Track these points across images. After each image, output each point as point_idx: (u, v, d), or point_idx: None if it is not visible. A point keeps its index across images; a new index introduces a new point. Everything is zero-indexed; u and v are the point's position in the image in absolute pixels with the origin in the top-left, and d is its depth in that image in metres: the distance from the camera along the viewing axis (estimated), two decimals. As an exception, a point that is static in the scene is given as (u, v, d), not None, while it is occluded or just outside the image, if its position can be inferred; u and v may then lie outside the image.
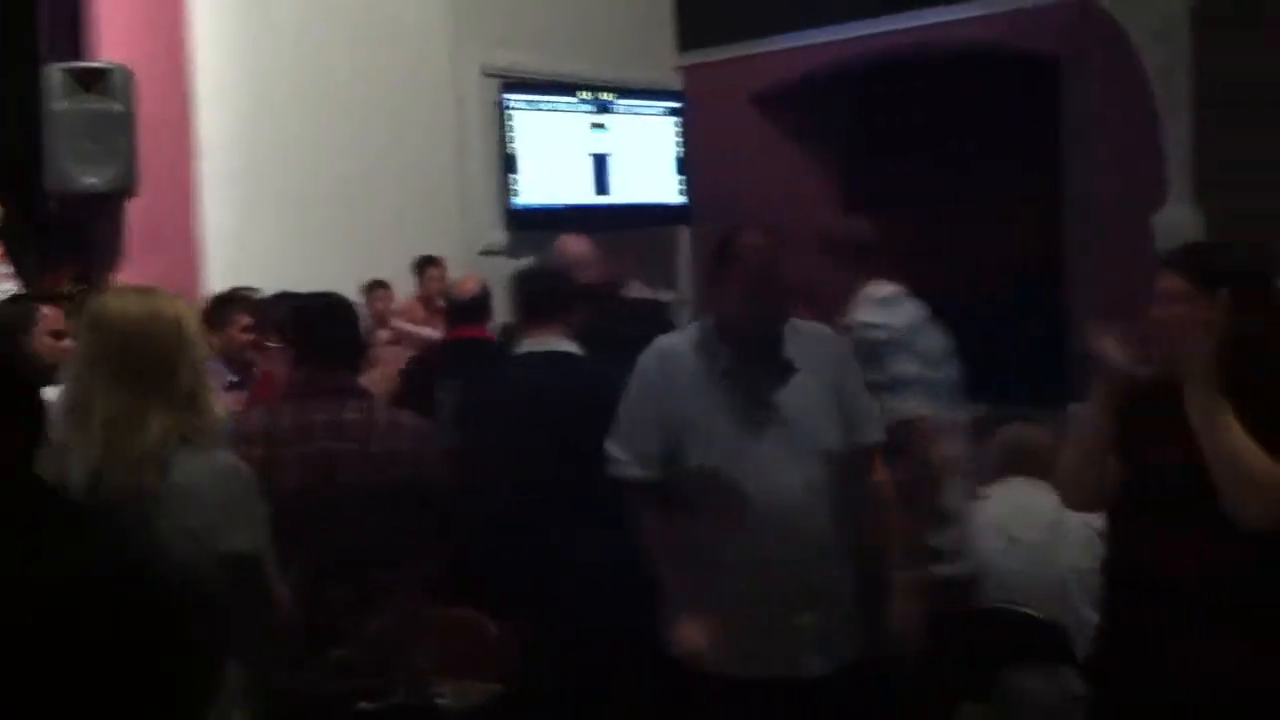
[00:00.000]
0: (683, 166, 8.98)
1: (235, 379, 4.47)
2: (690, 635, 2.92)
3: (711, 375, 2.98)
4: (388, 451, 2.99)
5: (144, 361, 2.42)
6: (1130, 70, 6.86)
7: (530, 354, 3.76)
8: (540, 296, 3.80)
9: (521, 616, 3.55)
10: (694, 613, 2.94)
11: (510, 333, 4.31)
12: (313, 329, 3.14)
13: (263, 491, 2.52)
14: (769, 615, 2.94)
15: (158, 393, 2.40)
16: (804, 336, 3.06)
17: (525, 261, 5.73)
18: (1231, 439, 2.38)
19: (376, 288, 7.15)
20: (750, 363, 2.98)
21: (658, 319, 5.13)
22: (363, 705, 2.87)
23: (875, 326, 3.73)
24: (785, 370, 2.98)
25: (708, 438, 2.94)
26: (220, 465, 2.46)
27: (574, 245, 4.61)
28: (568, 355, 3.73)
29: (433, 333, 7.09)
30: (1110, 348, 2.54)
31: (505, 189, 8.13)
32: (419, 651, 3.03)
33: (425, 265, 7.47)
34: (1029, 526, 3.50)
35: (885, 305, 3.83)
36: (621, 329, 3.84)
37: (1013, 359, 7.80)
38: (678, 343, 3.10)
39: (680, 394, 2.99)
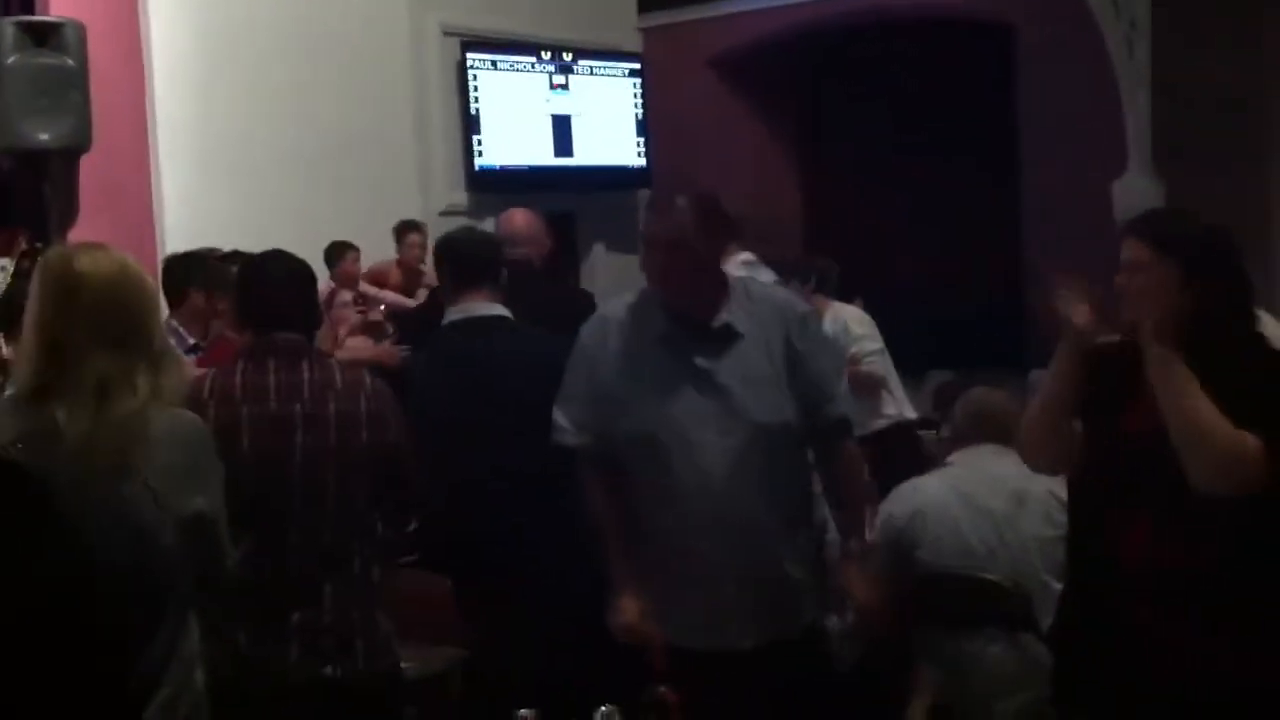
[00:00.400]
0: (642, 129, 8.94)
1: (193, 341, 4.41)
2: (622, 608, 2.93)
3: (645, 342, 2.95)
4: (345, 413, 2.95)
5: (127, 320, 2.40)
6: (1089, 41, 6.87)
7: (463, 320, 3.71)
8: (467, 261, 3.75)
9: (482, 583, 3.53)
10: (628, 584, 2.93)
11: (438, 299, 4.27)
12: (258, 290, 3.09)
13: (218, 453, 2.51)
14: (696, 586, 2.93)
15: (139, 352, 2.39)
16: (758, 302, 2.99)
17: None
18: (1192, 402, 2.40)
19: (343, 249, 7.07)
20: (684, 329, 2.94)
21: (573, 307, 5.14)
22: (325, 671, 2.84)
23: None
24: (724, 337, 2.92)
25: (636, 406, 2.92)
26: (184, 425, 2.44)
27: (518, 219, 4.55)
28: (500, 318, 3.69)
29: (398, 298, 7.03)
30: (1076, 310, 2.54)
31: (468, 150, 8.06)
32: (380, 617, 3.00)
33: (405, 230, 7.38)
34: (993, 493, 3.51)
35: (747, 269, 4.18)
36: (534, 313, 3.82)
37: (974, 325, 7.86)
38: (618, 309, 3.05)
39: (614, 360, 2.96)
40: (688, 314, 2.94)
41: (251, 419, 2.88)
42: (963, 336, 7.76)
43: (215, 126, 6.82)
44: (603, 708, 2.57)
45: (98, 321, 2.36)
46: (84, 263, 2.41)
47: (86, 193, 6.40)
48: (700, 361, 2.91)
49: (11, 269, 6.23)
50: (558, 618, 3.43)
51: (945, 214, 8.60)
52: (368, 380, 3.09)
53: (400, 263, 7.40)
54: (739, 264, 4.24)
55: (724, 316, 2.92)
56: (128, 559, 2.29)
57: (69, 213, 6.38)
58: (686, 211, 2.91)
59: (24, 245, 6.29)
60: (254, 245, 4.49)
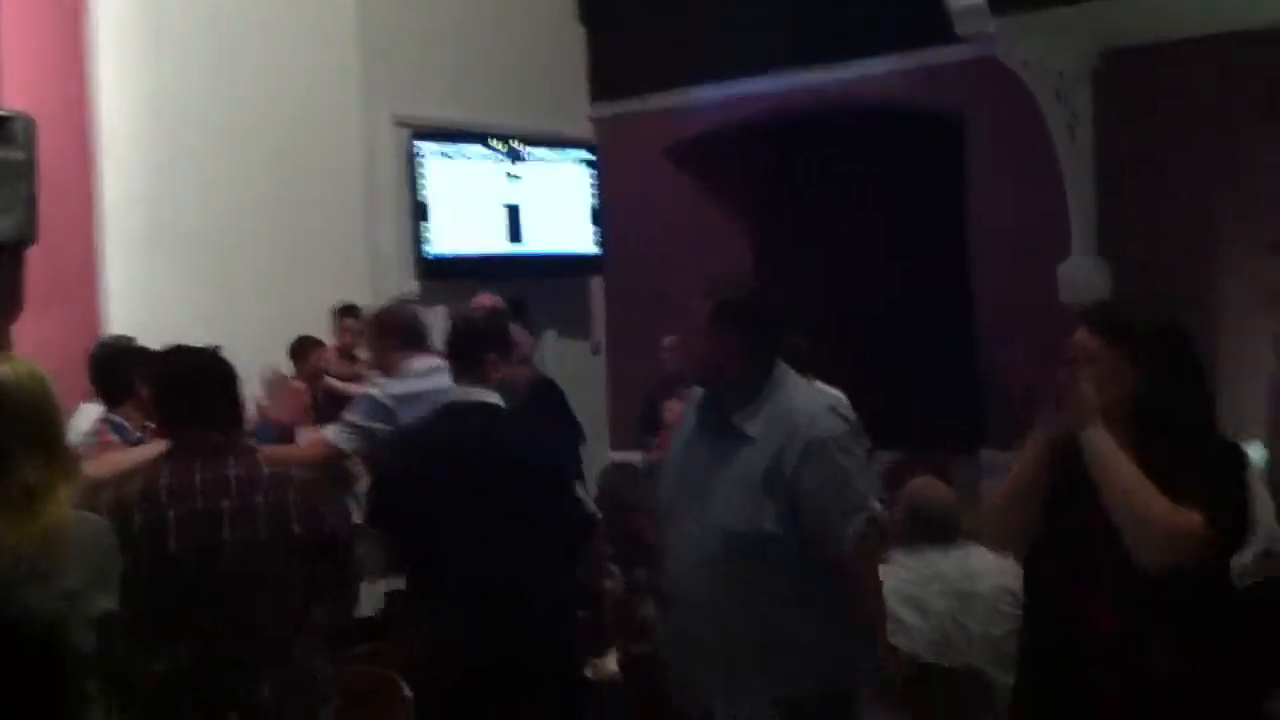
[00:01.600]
0: (596, 217, 8.99)
1: (139, 435, 4.34)
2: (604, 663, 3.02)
3: (692, 425, 3.10)
4: (275, 505, 2.93)
5: (49, 429, 2.45)
6: (1033, 126, 7.00)
7: (459, 404, 3.70)
8: (465, 347, 3.75)
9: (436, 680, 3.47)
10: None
11: None
12: (178, 390, 3.06)
13: (146, 554, 2.50)
14: (684, 656, 3.04)
15: (59, 460, 2.42)
16: (786, 407, 2.95)
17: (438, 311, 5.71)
18: (1125, 480, 2.43)
19: (310, 345, 6.98)
20: (710, 421, 3.03)
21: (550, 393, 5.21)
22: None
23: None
24: (736, 435, 2.95)
25: (666, 479, 3.10)
26: (92, 527, 2.47)
27: (488, 303, 4.57)
28: (494, 406, 3.69)
29: (359, 388, 6.94)
30: (1065, 399, 2.56)
31: (417, 238, 8.07)
32: (323, 710, 2.96)
33: (344, 314, 7.33)
34: (940, 594, 3.51)
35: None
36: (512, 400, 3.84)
37: (924, 404, 7.90)
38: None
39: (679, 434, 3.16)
40: (711, 407, 3.04)
41: (178, 520, 2.85)
42: (912, 415, 7.79)
43: (164, 216, 6.78)
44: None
45: (22, 431, 2.37)
46: (5, 372, 2.42)
47: (33, 285, 6.34)
48: (713, 456, 2.99)
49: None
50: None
51: (895, 293, 8.69)
52: (295, 474, 3.08)
53: (338, 347, 7.33)
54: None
55: (741, 417, 2.95)
56: (44, 662, 2.29)
57: (14, 305, 6.31)
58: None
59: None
60: (203, 335, 4.47)
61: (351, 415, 4.38)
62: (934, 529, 3.69)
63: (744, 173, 9.31)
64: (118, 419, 4.25)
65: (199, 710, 2.80)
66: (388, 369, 4.60)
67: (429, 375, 4.37)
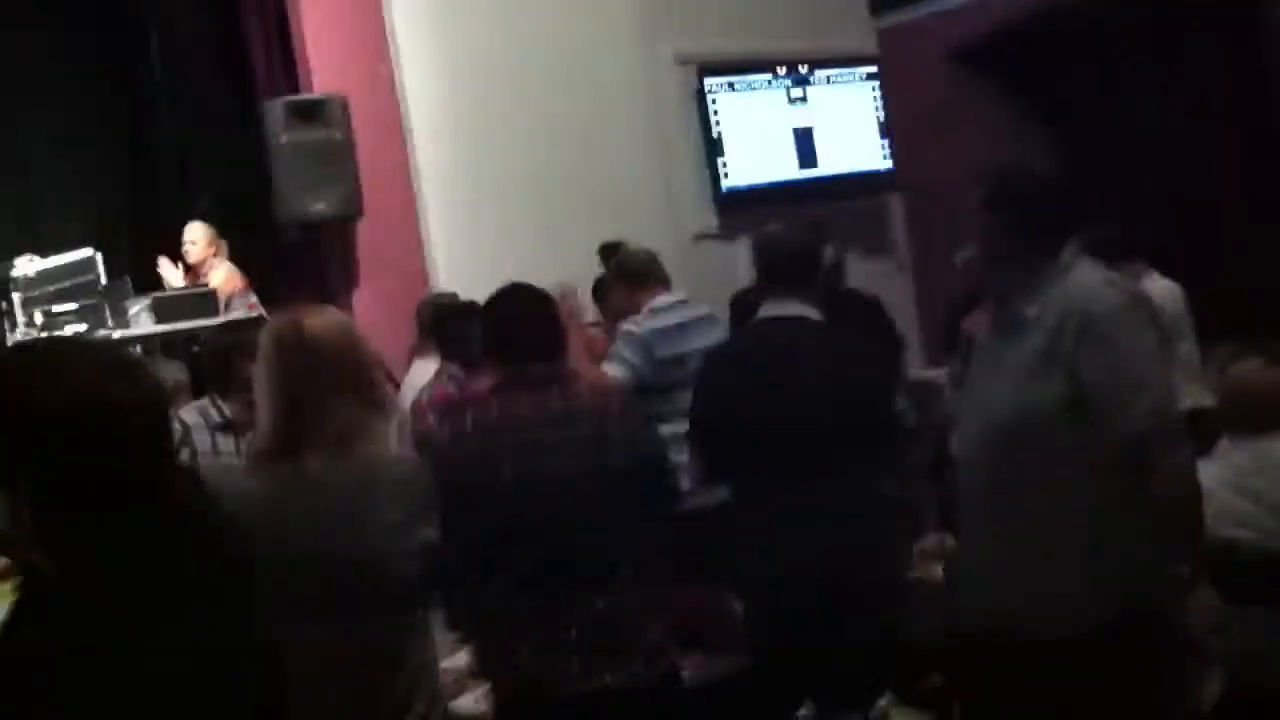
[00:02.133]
0: (885, 132, 8.86)
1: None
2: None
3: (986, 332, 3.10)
4: (599, 434, 3.05)
5: (360, 374, 2.60)
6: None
7: (773, 318, 3.67)
8: (785, 261, 3.71)
9: (764, 591, 3.53)
10: None
11: (746, 299, 4.32)
12: (503, 324, 3.20)
13: (476, 487, 2.66)
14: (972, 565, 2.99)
15: (370, 402, 2.59)
16: (1066, 288, 2.90)
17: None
18: None
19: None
20: (999, 317, 3.04)
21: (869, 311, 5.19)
22: (605, 680, 2.94)
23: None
24: (1017, 321, 2.95)
25: (960, 387, 3.21)
26: (408, 464, 2.65)
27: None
28: (810, 320, 3.66)
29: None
30: None
31: (713, 174, 8.17)
32: (655, 625, 3.07)
33: (609, 252, 7.46)
34: (1273, 483, 3.32)
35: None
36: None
37: (1257, 292, 7.45)
38: None
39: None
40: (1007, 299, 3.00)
41: (511, 450, 3.01)
42: (1245, 303, 7.35)
43: (474, 179, 7.12)
44: (881, 700, 2.58)
45: (335, 376, 2.56)
46: (316, 324, 2.62)
47: (362, 257, 6.80)
48: (994, 351, 2.97)
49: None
50: (837, 614, 3.42)
51: (1211, 178, 8.19)
52: (617, 401, 3.19)
53: None
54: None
55: (1022, 303, 2.90)
56: (373, 593, 2.47)
57: (347, 279, 6.79)
58: None
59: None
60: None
61: (623, 352, 4.65)
62: (1263, 416, 3.50)
63: (1037, 71, 8.95)
64: (453, 370, 4.53)
65: (538, 626, 2.95)
66: (635, 309, 4.87)
67: (673, 310, 4.80)
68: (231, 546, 1.78)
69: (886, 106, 8.81)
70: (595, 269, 7.00)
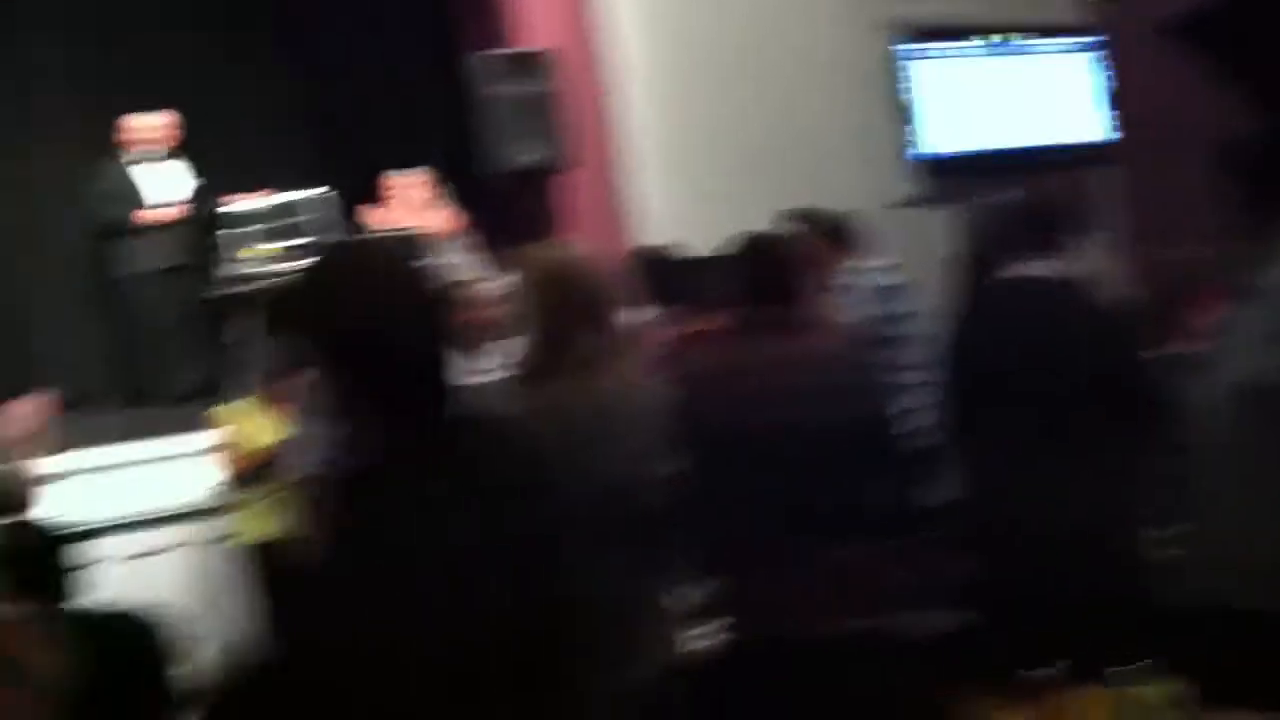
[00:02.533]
0: (1099, 103, 8.59)
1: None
2: None
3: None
4: (832, 384, 3.03)
5: (605, 307, 2.64)
6: None
7: (1025, 278, 3.56)
8: (1027, 223, 3.61)
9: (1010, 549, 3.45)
10: None
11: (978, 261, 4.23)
12: (740, 267, 3.22)
13: (711, 427, 2.67)
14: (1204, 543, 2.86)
15: (612, 330, 2.63)
16: None
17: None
18: None
19: None
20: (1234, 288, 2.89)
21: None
22: (844, 627, 2.92)
23: None
24: (1250, 291, 2.80)
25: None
26: (651, 395, 2.66)
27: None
28: (1056, 280, 3.53)
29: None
30: None
31: (910, 140, 8.04)
32: (876, 576, 3.05)
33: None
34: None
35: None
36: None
37: None
38: None
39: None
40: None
41: (742, 394, 3.02)
42: None
43: (676, 137, 7.15)
44: (1131, 666, 2.51)
45: (583, 309, 2.61)
46: (563, 258, 2.68)
47: (564, 210, 6.87)
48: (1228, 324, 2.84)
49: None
50: (1090, 574, 3.32)
51: None
52: (851, 351, 3.17)
53: None
54: None
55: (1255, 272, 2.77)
56: (618, 515, 2.50)
57: (547, 230, 6.86)
58: None
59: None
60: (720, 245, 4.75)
61: (851, 300, 4.74)
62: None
63: (1250, 40, 8.56)
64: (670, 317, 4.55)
65: (769, 568, 2.95)
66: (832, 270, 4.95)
67: (878, 272, 5.04)
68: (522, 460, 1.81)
69: (1103, 77, 8.54)
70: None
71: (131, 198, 7.00)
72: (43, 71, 7.73)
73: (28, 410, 4.49)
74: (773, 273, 3.18)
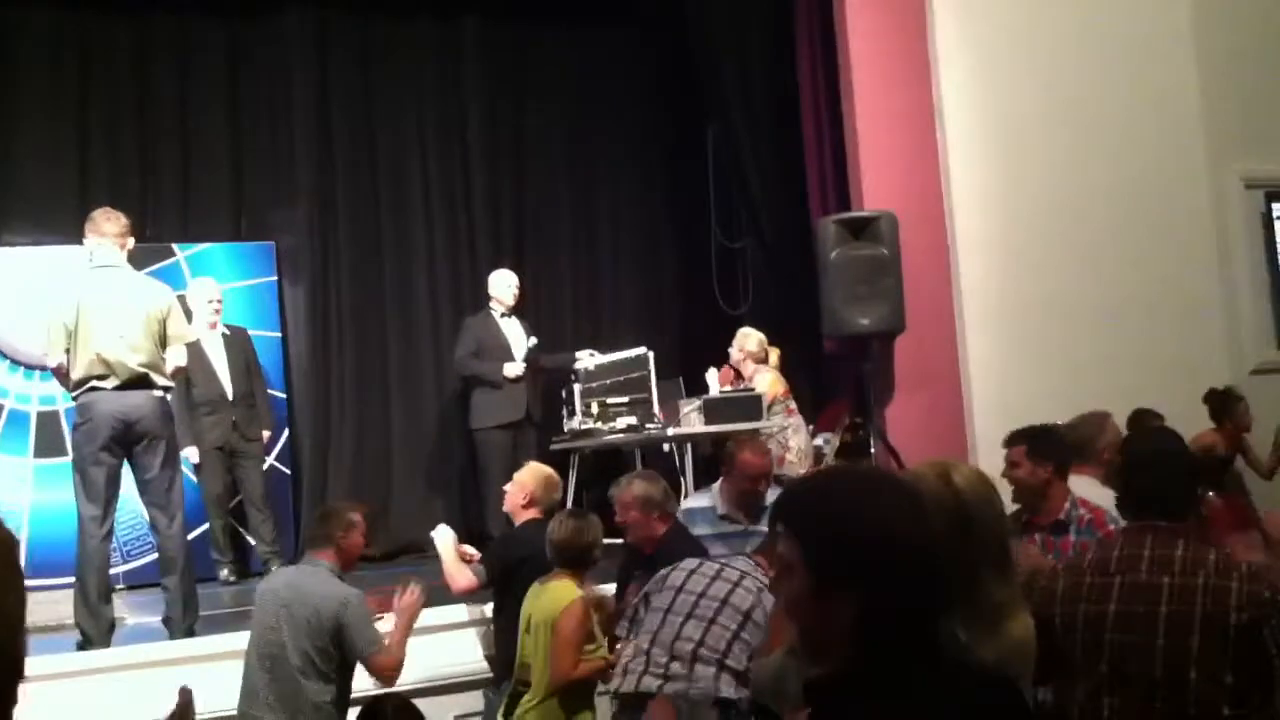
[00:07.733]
0: None
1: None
2: None
3: None
4: (1197, 587, 2.85)
5: (1006, 542, 2.48)
6: None
7: None
8: None
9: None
10: None
11: None
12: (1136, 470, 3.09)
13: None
14: None
15: (1013, 572, 2.49)
16: None
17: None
18: None
19: (1233, 400, 6.85)
20: None
21: None
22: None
23: None
24: None
25: None
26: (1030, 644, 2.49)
27: None
28: None
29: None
30: None
31: (1276, 304, 7.58)
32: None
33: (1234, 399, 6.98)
34: None
35: None
36: None
37: None
38: None
39: None
40: None
41: (1118, 585, 2.88)
42: None
43: (1017, 299, 7.00)
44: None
45: (986, 548, 2.38)
46: (961, 487, 2.41)
47: (901, 372, 6.83)
48: None
49: (836, 442, 6.77)
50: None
51: None
52: (1259, 568, 2.94)
53: (1228, 430, 6.91)
54: None
55: None
56: None
57: (888, 390, 6.83)
58: None
59: (847, 420, 6.83)
60: (1055, 411, 4.54)
61: None
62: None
63: None
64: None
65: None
66: None
67: None
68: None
69: None
70: (1149, 397, 6.58)
71: (501, 353, 7.49)
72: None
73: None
74: (1164, 482, 3.01)
